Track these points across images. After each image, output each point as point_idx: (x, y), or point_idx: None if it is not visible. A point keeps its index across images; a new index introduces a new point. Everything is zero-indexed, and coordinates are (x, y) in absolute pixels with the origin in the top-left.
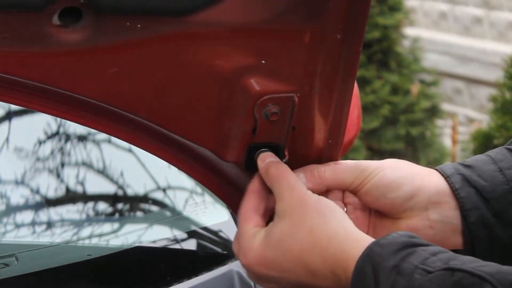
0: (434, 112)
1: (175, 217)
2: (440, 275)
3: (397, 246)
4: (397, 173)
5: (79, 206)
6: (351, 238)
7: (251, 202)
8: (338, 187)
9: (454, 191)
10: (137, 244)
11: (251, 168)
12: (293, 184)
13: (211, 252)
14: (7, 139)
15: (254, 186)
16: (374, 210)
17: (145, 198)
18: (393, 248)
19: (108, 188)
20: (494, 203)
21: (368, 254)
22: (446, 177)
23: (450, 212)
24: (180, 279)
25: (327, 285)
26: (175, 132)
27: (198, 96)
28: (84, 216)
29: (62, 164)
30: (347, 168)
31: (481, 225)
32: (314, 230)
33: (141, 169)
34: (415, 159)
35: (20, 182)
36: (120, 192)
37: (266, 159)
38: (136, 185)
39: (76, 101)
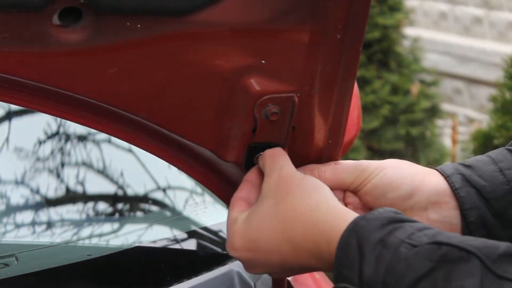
0: (434, 112)
1: (175, 217)
2: (427, 249)
3: (383, 221)
4: (397, 173)
5: (79, 206)
6: (334, 211)
7: (242, 191)
8: (338, 187)
9: (454, 190)
10: (137, 244)
11: (251, 168)
12: (282, 165)
13: (211, 252)
14: (7, 139)
15: (249, 176)
16: None
17: (145, 198)
18: (379, 223)
19: (108, 188)
20: (494, 203)
21: (353, 228)
22: (446, 177)
23: (450, 212)
24: (180, 279)
25: (310, 262)
26: (175, 132)
27: (198, 96)
28: (84, 216)
29: (62, 164)
30: (347, 168)
31: (481, 224)
32: (296, 205)
33: (141, 169)
34: (415, 159)
35: (20, 182)
36: (120, 192)
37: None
38: (136, 185)
39: (76, 101)
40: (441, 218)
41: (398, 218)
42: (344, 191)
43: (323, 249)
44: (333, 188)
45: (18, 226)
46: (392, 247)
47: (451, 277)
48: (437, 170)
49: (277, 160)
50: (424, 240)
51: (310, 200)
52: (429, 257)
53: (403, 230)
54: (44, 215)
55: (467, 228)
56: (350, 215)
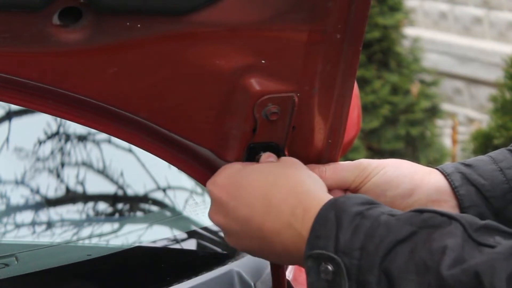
0: (434, 112)
1: (175, 217)
2: (408, 215)
3: (364, 200)
4: (398, 171)
5: (79, 206)
6: (319, 188)
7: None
8: (339, 186)
9: (454, 188)
10: (137, 244)
11: None
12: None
13: (211, 252)
14: (7, 139)
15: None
16: None
17: (145, 198)
18: (359, 201)
19: (108, 188)
20: (494, 201)
21: (333, 203)
22: (446, 175)
23: (449, 210)
24: (180, 279)
25: (276, 229)
26: (175, 132)
27: (198, 96)
28: (84, 216)
29: (62, 164)
30: (348, 167)
31: None
32: (294, 175)
33: (141, 169)
34: (415, 159)
35: (20, 182)
36: (120, 192)
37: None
38: (136, 185)
39: (76, 101)
40: None
41: (377, 201)
42: (345, 190)
43: (297, 216)
44: (334, 187)
45: (18, 226)
46: (372, 217)
47: (432, 239)
48: (437, 169)
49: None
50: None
51: (307, 179)
52: (411, 222)
53: (383, 207)
54: (44, 215)
55: None
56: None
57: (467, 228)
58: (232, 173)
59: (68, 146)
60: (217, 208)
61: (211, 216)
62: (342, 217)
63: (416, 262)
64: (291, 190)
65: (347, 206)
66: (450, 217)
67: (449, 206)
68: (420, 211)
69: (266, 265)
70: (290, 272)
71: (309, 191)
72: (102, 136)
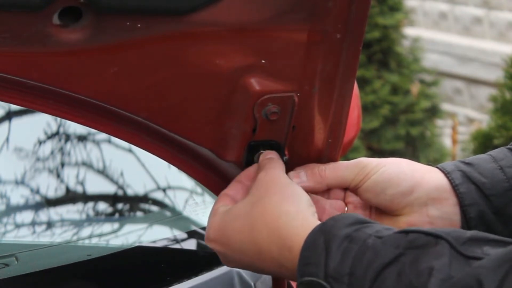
0: (434, 112)
1: (175, 217)
2: (394, 237)
3: (351, 221)
4: (398, 170)
5: (79, 206)
6: (301, 218)
7: (230, 188)
8: (339, 185)
9: (454, 186)
10: (137, 244)
11: None
12: (274, 166)
13: (211, 252)
14: (7, 139)
15: (240, 176)
16: (374, 209)
17: (145, 198)
18: (347, 222)
19: (108, 188)
20: (494, 200)
21: (321, 228)
22: (446, 173)
23: (450, 208)
24: (180, 279)
25: (274, 269)
26: (175, 132)
27: (198, 96)
28: (84, 216)
29: (62, 164)
30: (348, 165)
31: (480, 221)
32: (267, 209)
33: (141, 169)
34: (415, 159)
35: (20, 182)
36: (120, 192)
37: (267, 155)
38: (136, 185)
39: (76, 101)
40: (441, 215)
41: (366, 220)
42: (345, 190)
43: (285, 256)
44: (334, 186)
45: (18, 226)
46: (359, 240)
47: (419, 261)
48: (437, 167)
49: (272, 161)
50: (391, 232)
51: (281, 206)
52: (396, 244)
53: (371, 227)
54: (44, 215)
55: (467, 224)
56: (315, 222)
57: (453, 244)
58: (218, 222)
59: (68, 146)
60: (224, 258)
61: (225, 264)
62: (331, 241)
63: (405, 284)
64: (270, 229)
65: (335, 229)
66: (436, 236)
67: (449, 204)
68: (406, 232)
69: None
70: None
71: (287, 222)
72: (102, 136)
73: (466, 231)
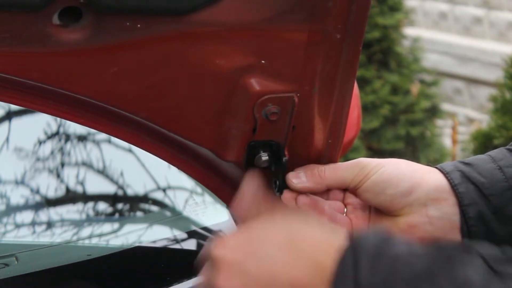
0: (434, 112)
1: (175, 217)
2: (426, 248)
3: (381, 234)
4: (397, 170)
5: (79, 206)
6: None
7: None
8: (338, 186)
9: (453, 186)
10: (137, 244)
11: (250, 167)
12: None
13: None
14: (7, 139)
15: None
16: (374, 210)
17: (145, 198)
18: (376, 240)
19: (108, 188)
20: (493, 199)
21: (351, 245)
22: (445, 174)
23: (449, 208)
24: (180, 279)
25: (304, 273)
26: (175, 132)
27: (198, 96)
28: (84, 216)
29: (62, 164)
30: (347, 166)
31: (480, 221)
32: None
33: (141, 169)
34: (415, 159)
35: (20, 182)
36: (120, 192)
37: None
38: (136, 185)
39: (76, 101)
40: (441, 215)
41: (392, 233)
42: (344, 191)
43: (324, 260)
44: (333, 187)
45: (18, 226)
46: (389, 251)
47: (454, 271)
48: (436, 168)
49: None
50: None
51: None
52: (428, 254)
53: (399, 238)
54: (44, 215)
55: (466, 224)
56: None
57: (487, 260)
58: (243, 233)
59: (68, 146)
60: (230, 272)
61: (222, 285)
62: (359, 255)
63: None
64: (312, 234)
65: (365, 242)
66: (469, 249)
67: (449, 204)
68: (438, 243)
69: None
70: None
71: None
72: (102, 136)
73: (501, 250)
